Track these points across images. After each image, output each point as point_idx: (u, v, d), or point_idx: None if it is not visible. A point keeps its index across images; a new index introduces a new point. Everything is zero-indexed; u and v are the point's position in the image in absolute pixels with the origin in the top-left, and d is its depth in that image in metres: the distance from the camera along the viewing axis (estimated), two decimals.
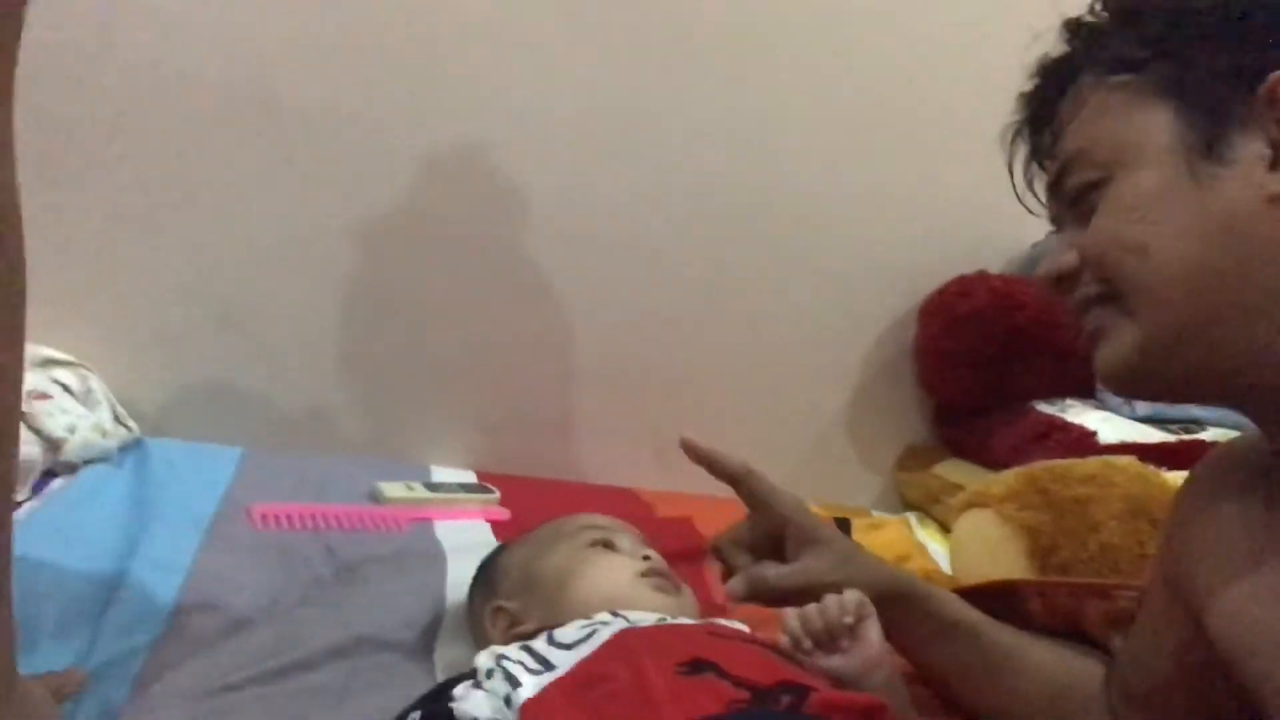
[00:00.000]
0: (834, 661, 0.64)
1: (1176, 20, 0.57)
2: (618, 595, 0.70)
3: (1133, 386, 0.61)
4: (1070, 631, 0.78)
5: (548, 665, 0.62)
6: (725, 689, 0.56)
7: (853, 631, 0.65)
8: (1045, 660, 0.76)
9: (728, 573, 0.79)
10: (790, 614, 0.66)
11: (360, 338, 1.23)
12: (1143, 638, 0.70)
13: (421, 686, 0.71)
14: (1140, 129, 0.57)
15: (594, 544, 0.76)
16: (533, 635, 0.66)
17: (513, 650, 0.63)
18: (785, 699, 0.55)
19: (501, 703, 0.58)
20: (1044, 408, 1.27)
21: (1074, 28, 0.63)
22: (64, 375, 1.09)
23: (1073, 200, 0.61)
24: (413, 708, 0.61)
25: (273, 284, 1.20)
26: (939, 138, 1.32)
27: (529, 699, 0.57)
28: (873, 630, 0.65)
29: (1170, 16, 0.58)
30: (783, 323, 1.35)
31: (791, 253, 1.33)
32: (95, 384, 1.11)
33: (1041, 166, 0.65)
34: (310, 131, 1.16)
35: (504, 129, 1.21)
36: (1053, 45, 0.64)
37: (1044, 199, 0.65)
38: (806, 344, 1.36)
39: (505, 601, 0.73)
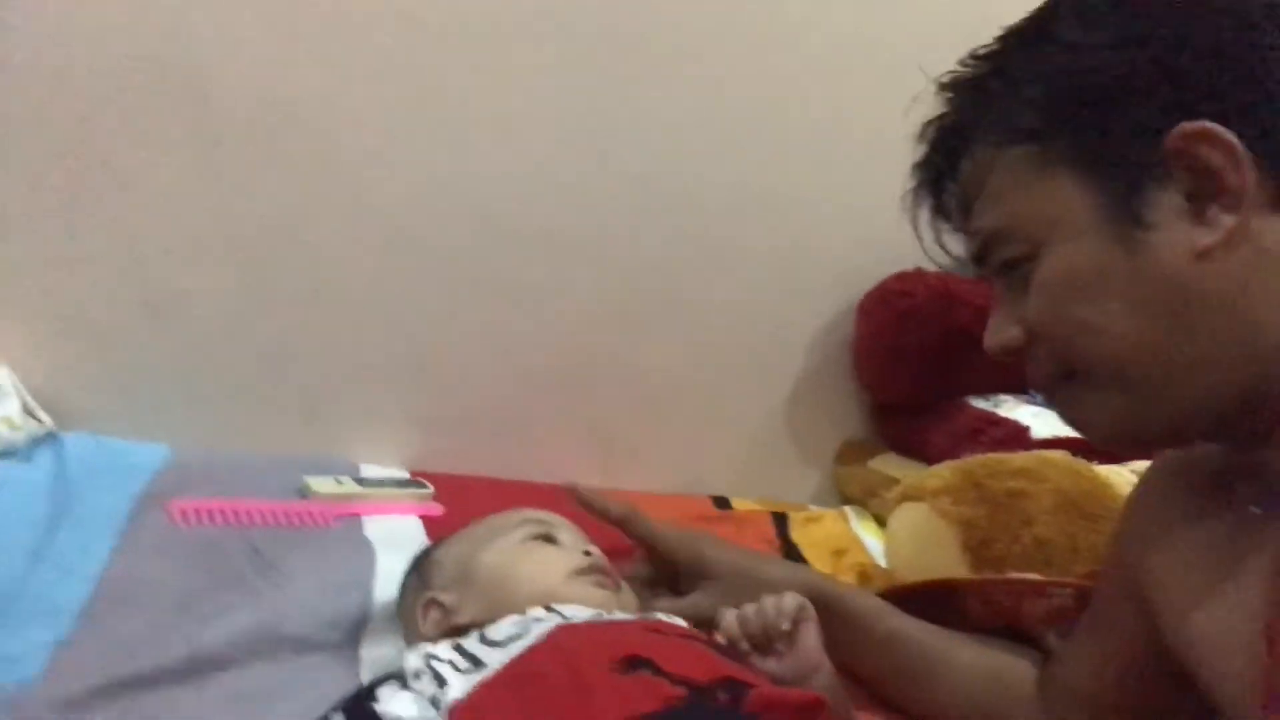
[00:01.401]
0: (770, 665, 0.63)
1: (1066, 84, 0.56)
2: (556, 590, 0.68)
3: (1124, 450, 0.62)
4: (1007, 629, 0.79)
5: (478, 664, 0.60)
6: (662, 686, 0.55)
7: (789, 636, 0.64)
8: (972, 660, 0.77)
9: None
10: (728, 615, 0.66)
11: (291, 330, 1.19)
12: (1090, 638, 0.70)
13: (346, 687, 0.69)
14: (1055, 203, 0.56)
15: (534, 538, 0.75)
16: (465, 630, 0.64)
17: (442, 649, 0.61)
18: (723, 696, 0.54)
19: (428, 703, 0.56)
20: (978, 403, 1.29)
21: (955, 89, 0.61)
22: None
23: (1000, 271, 0.60)
24: (334, 710, 0.58)
25: (199, 274, 1.15)
26: (876, 133, 1.32)
27: (457, 700, 0.55)
28: (810, 635, 0.65)
29: (1062, 82, 0.56)
30: (722, 319, 1.34)
31: (731, 249, 1.32)
32: (3, 375, 1.05)
33: (952, 227, 0.64)
34: (240, 118, 1.12)
35: (442, 117, 1.18)
36: (934, 106, 0.62)
37: (957, 251, 0.65)
38: (746, 340, 1.36)
39: (439, 594, 0.71)
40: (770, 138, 1.30)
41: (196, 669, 0.68)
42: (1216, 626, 0.56)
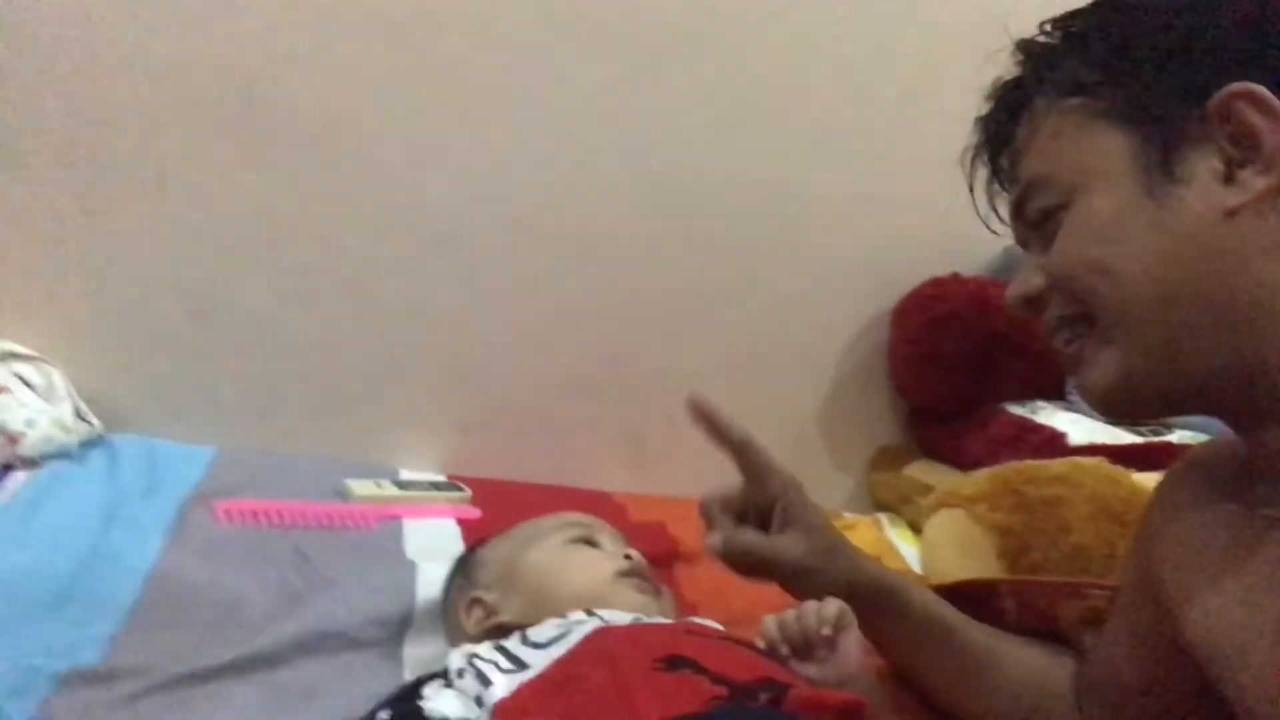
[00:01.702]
0: (810, 671, 0.63)
1: (1125, 43, 0.58)
2: (598, 592, 0.69)
3: (1118, 410, 0.61)
4: (1043, 630, 0.78)
5: (521, 665, 0.61)
6: (703, 685, 0.55)
7: (830, 643, 0.64)
8: (1019, 659, 0.76)
9: (709, 528, 0.78)
10: (768, 620, 0.66)
11: (331, 334, 1.21)
12: (1115, 640, 0.70)
13: (389, 685, 0.70)
14: (1096, 151, 0.58)
15: (575, 540, 0.75)
16: (507, 630, 0.65)
17: (485, 649, 0.62)
18: (764, 696, 0.54)
19: (473, 702, 0.57)
20: (1015, 409, 1.28)
21: (1026, 50, 0.63)
22: (24, 369, 1.07)
23: (1036, 223, 0.61)
24: (381, 706, 0.60)
25: (243, 278, 1.17)
26: (912, 139, 1.32)
27: (502, 699, 0.56)
28: (851, 642, 0.65)
29: (1118, 39, 0.59)
30: (757, 325, 1.34)
31: (766, 255, 1.33)
32: (57, 379, 1.08)
33: (1003, 187, 0.66)
34: (283, 125, 1.14)
35: (481, 125, 1.20)
36: (1006, 68, 0.64)
37: (1008, 219, 0.66)
38: (780, 346, 1.36)
39: (483, 593, 0.72)
40: (806, 142, 1.30)
41: (245, 665, 0.70)
42: (1229, 619, 0.56)
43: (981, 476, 1.05)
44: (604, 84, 1.22)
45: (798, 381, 1.38)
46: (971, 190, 0.67)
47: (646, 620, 0.67)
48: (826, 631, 0.64)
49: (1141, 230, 0.56)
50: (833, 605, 0.66)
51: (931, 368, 1.32)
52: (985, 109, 0.66)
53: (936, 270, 1.34)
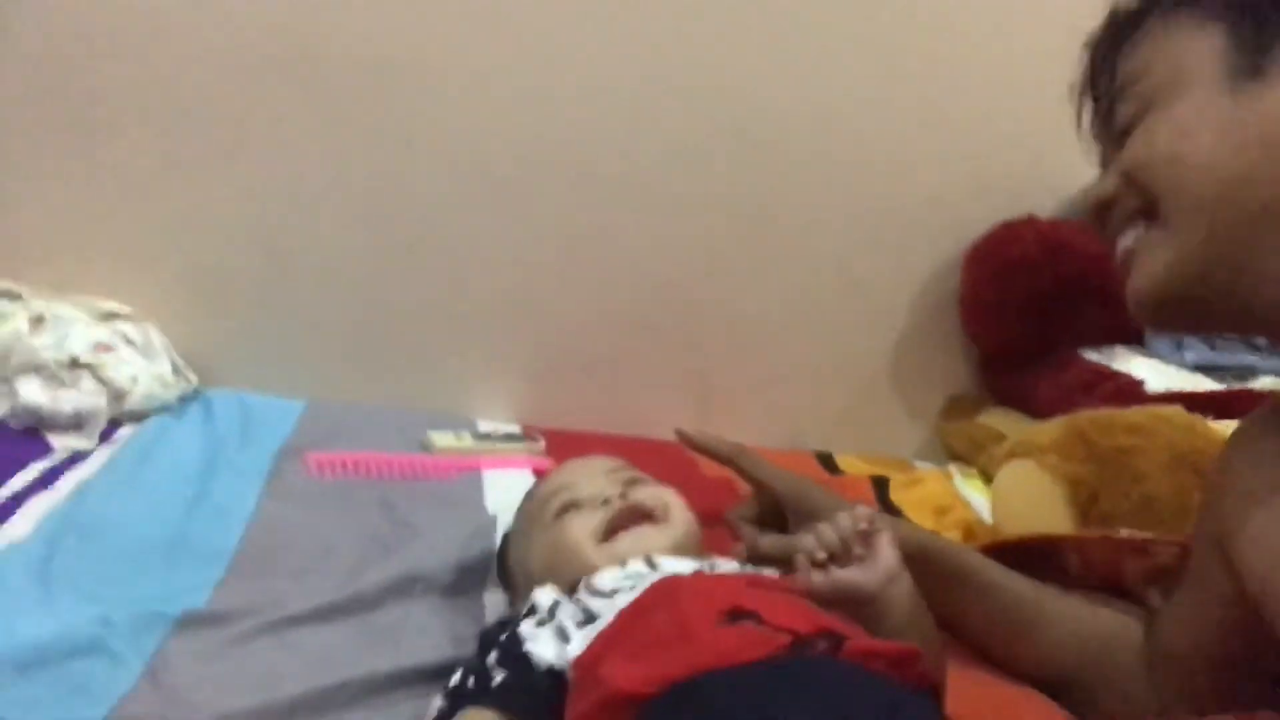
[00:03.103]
0: (853, 573, 0.63)
1: None
2: (593, 563, 0.67)
3: (1161, 312, 0.60)
4: (1109, 587, 0.79)
5: (590, 616, 0.63)
6: (766, 635, 0.57)
7: (866, 540, 0.65)
8: (1073, 613, 0.77)
9: (735, 542, 0.82)
10: (804, 537, 0.66)
11: (406, 287, 1.25)
12: (1187, 596, 0.70)
13: (472, 627, 0.75)
14: (1190, 52, 0.58)
15: (560, 513, 0.72)
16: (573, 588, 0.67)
17: (565, 601, 0.65)
18: (821, 645, 0.56)
19: (563, 644, 0.60)
20: (1091, 355, 1.26)
21: None
22: (125, 328, 1.13)
23: (1120, 132, 0.61)
24: (486, 648, 0.62)
25: (319, 231, 1.21)
26: (986, 79, 1.29)
27: (578, 656, 0.59)
28: (885, 543, 0.65)
29: None
30: (826, 269, 1.34)
31: (835, 196, 1.31)
32: (154, 335, 1.15)
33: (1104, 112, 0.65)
34: (352, 77, 1.17)
35: (545, 71, 1.20)
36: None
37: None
38: (850, 291, 1.35)
39: (525, 604, 0.70)
40: (873, 82, 1.28)
41: (339, 607, 0.74)
42: (1270, 538, 0.55)
43: (1054, 425, 1.04)
44: (665, 32, 1.21)
45: (867, 327, 1.37)
46: (1078, 117, 0.66)
47: (709, 570, 0.69)
48: (863, 526, 0.64)
49: (1216, 124, 0.56)
50: (863, 509, 0.67)
51: (1004, 313, 1.30)
52: (1100, 29, 0.65)
53: (1009, 213, 1.31)
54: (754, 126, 1.26)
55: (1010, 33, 1.26)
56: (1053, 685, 0.76)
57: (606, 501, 0.71)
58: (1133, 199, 0.60)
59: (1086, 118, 0.66)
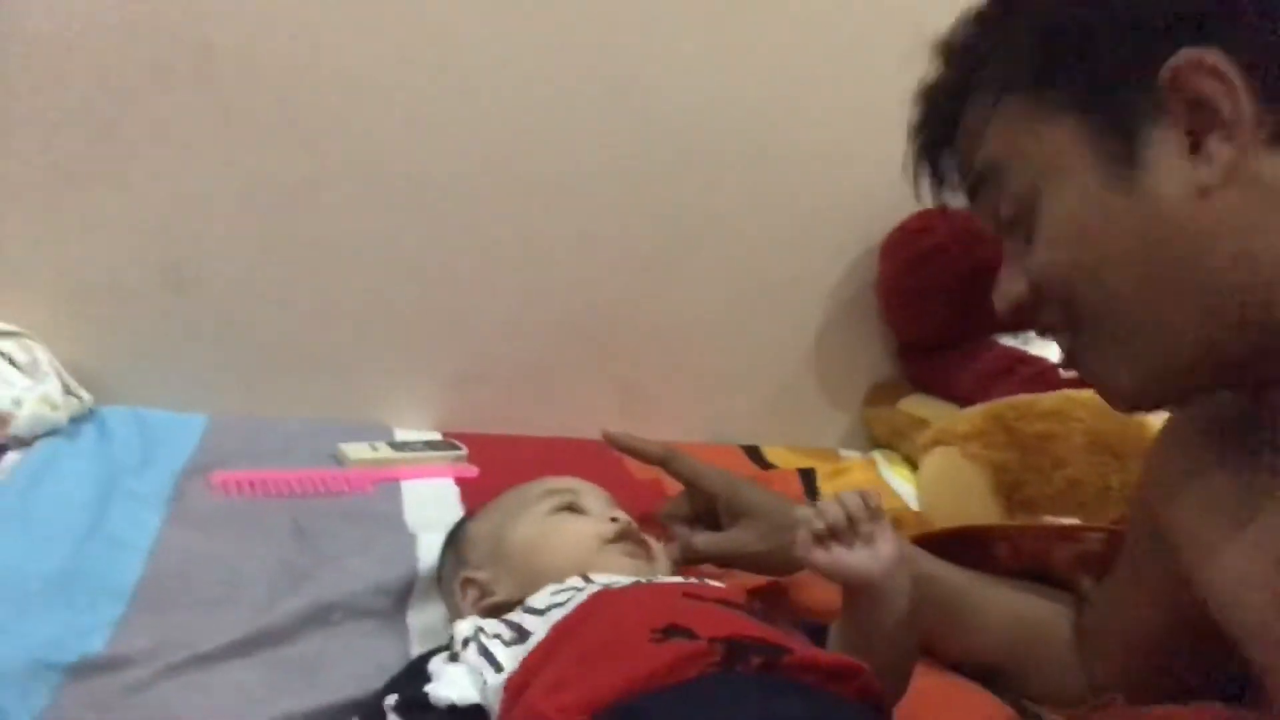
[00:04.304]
0: (861, 557, 0.60)
1: (1057, 28, 0.55)
2: (588, 561, 0.69)
3: (1147, 407, 0.60)
4: (1038, 574, 0.79)
5: (523, 633, 0.61)
6: (699, 650, 0.56)
7: (873, 516, 0.62)
8: (1003, 600, 0.78)
9: (667, 542, 0.81)
10: (805, 510, 0.64)
11: (315, 294, 1.20)
12: (1121, 586, 0.71)
13: (395, 654, 0.72)
14: (1053, 145, 0.56)
15: (559, 509, 0.75)
16: (504, 608, 0.65)
17: (490, 623, 0.63)
18: (756, 660, 0.55)
19: (479, 678, 0.58)
20: (1007, 341, 1.28)
21: (949, 51, 0.61)
22: (6, 346, 1.05)
23: (1006, 223, 0.59)
24: (388, 689, 0.60)
25: (219, 242, 1.16)
26: (898, 68, 1.30)
27: (511, 676, 0.57)
28: (889, 530, 0.63)
29: (1049, 27, 0.56)
30: (744, 265, 1.33)
31: (749, 194, 1.31)
32: (40, 354, 1.07)
33: (946, 183, 0.65)
34: (244, 83, 1.11)
35: (457, 69, 1.16)
36: (930, 68, 0.62)
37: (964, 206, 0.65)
38: (769, 286, 1.35)
39: (475, 572, 0.73)
40: (786, 80, 1.27)
41: (250, 643, 0.70)
42: (1237, 569, 0.56)
43: (974, 413, 1.06)
44: (584, 31, 1.19)
45: (789, 321, 1.37)
46: (916, 193, 0.66)
47: (645, 581, 0.67)
48: (873, 502, 0.62)
49: (1117, 223, 0.54)
50: (872, 491, 0.64)
51: (920, 301, 1.32)
52: (917, 114, 0.64)
53: (922, 203, 1.32)
54: (667, 128, 1.24)
55: (921, 22, 1.27)
56: (984, 672, 0.77)
57: (615, 519, 0.74)
58: (1052, 307, 0.58)
59: (927, 189, 0.66)
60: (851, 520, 0.61)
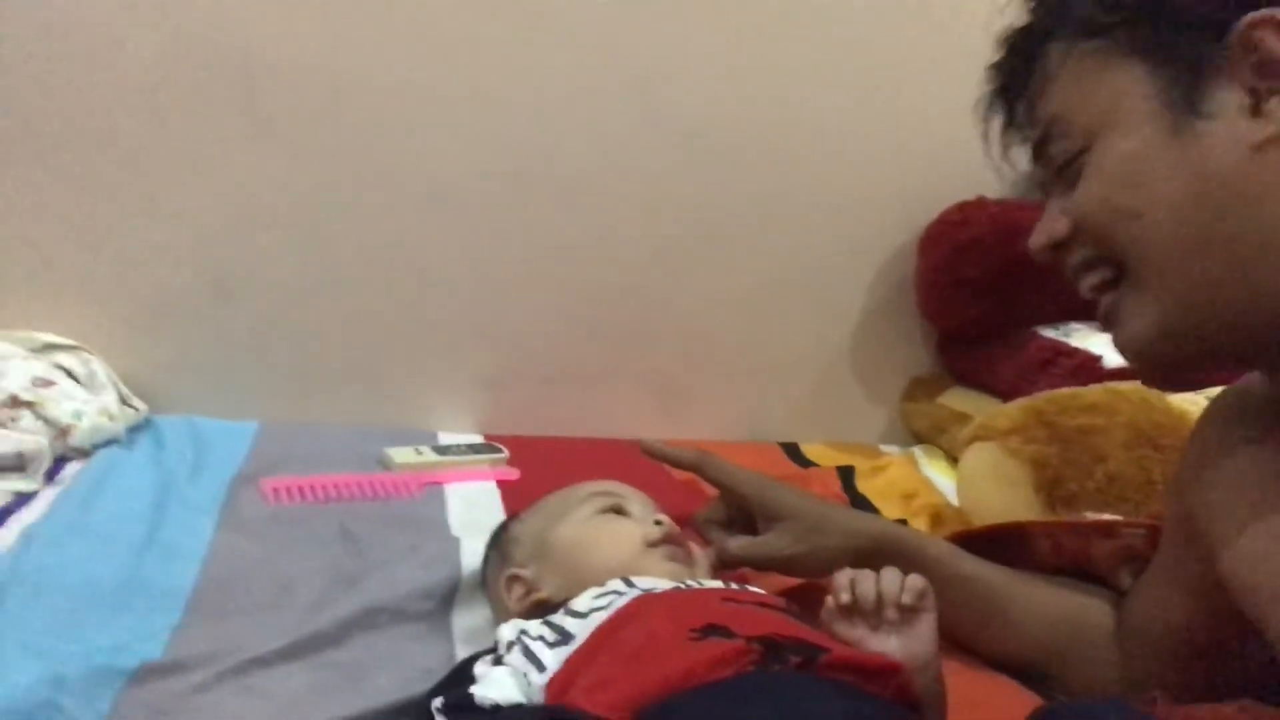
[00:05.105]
0: (888, 644, 0.59)
1: None
2: (630, 563, 0.70)
3: (1163, 364, 0.59)
4: (1079, 570, 0.79)
5: (566, 635, 0.62)
6: (736, 650, 0.56)
7: (906, 615, 0.60)
8: (1042, 597, 0.77)
9: (705, 547, 0.82)
10: (841, 574, 0.63)
11: (355, 301, 1.23)
12: (1157, 581, 0.71)
13: (440, 657, 0.73)
14: (1117, 92, 0.56)
15: (605, 510, 0.76)
16: (551, 607, 0.67)
17: (534, 625, 0.64)
18: (794, 659, 0.56)
19: (523, 679, 0.59)
20: (1048, 333, 1.26)
21: None
22: (66, 360, 1.09)
23: (1058, 168, 0.60)
24: (434, 692, 0.62)
25: (263, 251, 1.19)
26: (932, 61, 1.29)
27: (553, 676, 0.58)
28: (928, 624, 0.61)
29: None
30: (780, 260, 1.33)
31: (785, 189, 1.31)
32: (98, 366, 1.11)
33: (1020, 134, 0.64)
34: (284, 93, 1.14)
35: (491, 78, 1.18)
36: (1016, 14, 0.62)
37: (1026, 165, 0.64)
38: (806, 280, 1.35)
39: (519, 570, 0.74)
40: (822, 72, 1.27)
41: (301, 646, 0.72)
42: (1258, 549, 0.56)
43: (1015, 408, 1.05)
44: (610, 30, 1.20)
45: (825, 315, 1.37)
46: (986, 138, 0.66)
47: (685, 586, 0.68)
48: (908, 600, 0.60)
49: (1168, 170, 0.54)
50: (918, 579, 0.62)
51: (959, 294, 1.31)
52: (997, 56, 0.64)
53: (961, 195, 1.31)
54: (702, 124, 1.25)
55: (957, 17, 1.26)
56: (1023, 669, 0.77)
57: (659, 522, 0.75)
58: (1088, 247, 0.59)
59: (996, 136, 0.65)
60: (883, 601, 0.59)
